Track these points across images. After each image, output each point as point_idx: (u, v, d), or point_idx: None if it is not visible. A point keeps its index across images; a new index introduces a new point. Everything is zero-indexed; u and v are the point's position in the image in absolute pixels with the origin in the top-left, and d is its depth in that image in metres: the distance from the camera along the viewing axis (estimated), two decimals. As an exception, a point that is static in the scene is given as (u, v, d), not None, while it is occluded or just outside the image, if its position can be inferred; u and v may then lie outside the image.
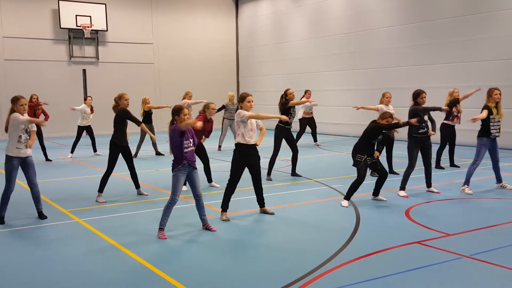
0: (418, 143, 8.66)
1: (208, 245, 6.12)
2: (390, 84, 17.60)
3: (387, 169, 10.83)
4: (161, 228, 6.39)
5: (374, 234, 6.47)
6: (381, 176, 8.15)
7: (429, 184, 8.93)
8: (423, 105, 8.68)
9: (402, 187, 8.71)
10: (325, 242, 6.15)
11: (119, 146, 8.68)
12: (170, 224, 6.74)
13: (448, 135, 11.44)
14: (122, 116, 8.70)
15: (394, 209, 7.73)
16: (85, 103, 14.71)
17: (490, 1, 15.17)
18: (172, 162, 6.48)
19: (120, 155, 8.75)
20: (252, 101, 7.28)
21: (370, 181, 9.47)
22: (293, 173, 10.75)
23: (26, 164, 7.20)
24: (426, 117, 8.74)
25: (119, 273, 5.19)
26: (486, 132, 8.76)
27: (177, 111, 6.45)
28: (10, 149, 7.08)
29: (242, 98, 7.32)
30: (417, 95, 8.69)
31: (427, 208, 7.83)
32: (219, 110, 15.88)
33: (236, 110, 7.70)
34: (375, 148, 8.13)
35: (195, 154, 6.68)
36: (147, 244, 6.10)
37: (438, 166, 11.37)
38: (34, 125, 7.50)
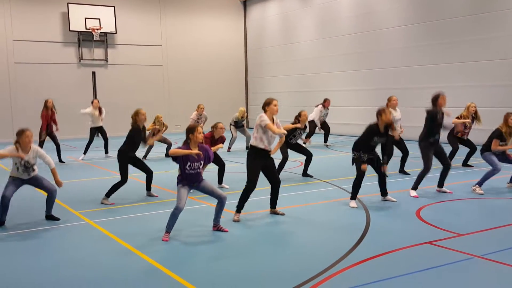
0: (432, 146, 8.58)
1: (220, 246, 6.14)
2: (399, 84, 17.56)
3: (399, 168, 10.79)
4: (166, 231, 6.39)
5: (384, 234, 6.45)
6: (379, 177, 8.11)
7: (441, 184, 8.87)
8: (442, 113, 8.44)
9: (414, 187, 8.66)
10: (336, 243, 6.14)
11: (127, 156, 8.69)
12: (181, 226, 6.76)
13: (455, 142, 11.45)
14: (133, 134, 8.67)
15: (405, 209, 7.70)
16: (92, 106, 14.79)
17: (499, 0, 15.07)
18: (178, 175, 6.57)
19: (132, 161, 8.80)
20: (277, 105, 7.27)
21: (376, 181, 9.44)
22: (304, 174, 10.87)
23: (34, 182, 7.35)
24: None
25: (131, 274, 5.21)
26: (490, 149, 8.76)
27: (191, 130, 6.43)
28: (12, 171, 7.29)
29: (267, 103, 7.26)
30: (438, 97, 8.37)
31: (438, 208, 7.80)
32: (234, 125, 15.81)
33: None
34: (381, 158, 8.09)
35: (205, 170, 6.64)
36: (158, 245, 6.13)
37: (464, 164, 11.45)
38: (51, 163, 7.39)
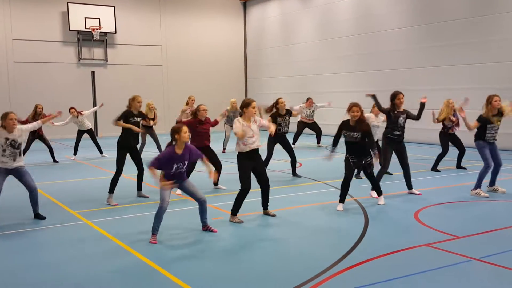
0: (392, 144, 8.72)
1: (212, 247, 6.12)
2: (398, 85, 17.40)
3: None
4: (153, 234, 6.30)
5: (383, 236, 6.43)
6: (370, 181, 8.11)
7: (409, 186, 8.89)
8: (400, 107, 8.75)
9: (376, 189, 8.50)
10: (333, 244, 6.12)
11: (125, 147, 8.68)
12: (174, 226, 6.74)
13: (447, 142, 11.44)
14: (120, 116, 8.71)
15: (403, 211, 7.69)
16: (71, 115, 14.29)
17: (499, 3, 15.07)
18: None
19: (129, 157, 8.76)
20: (255, 107, 7.10)
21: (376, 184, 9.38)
22: (294, 174, 10.97)
23: (18, 174, 7.29)
24: (401, 120, 8.71)
25: (127, 274, 5.20)
26: (482, 136, 8.74)
27: (176, 130, 6.23)
28: None
29: (246, 104, 7.06)
30: (394, 96, 8.78)
31: (436, 211, 7.78)
32: (227, 122, 15.46)
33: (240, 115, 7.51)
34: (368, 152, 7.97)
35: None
36: (154, 246, 6.11)
37: (434, 169, 11.32)
38: (37, 123, 7.74)
